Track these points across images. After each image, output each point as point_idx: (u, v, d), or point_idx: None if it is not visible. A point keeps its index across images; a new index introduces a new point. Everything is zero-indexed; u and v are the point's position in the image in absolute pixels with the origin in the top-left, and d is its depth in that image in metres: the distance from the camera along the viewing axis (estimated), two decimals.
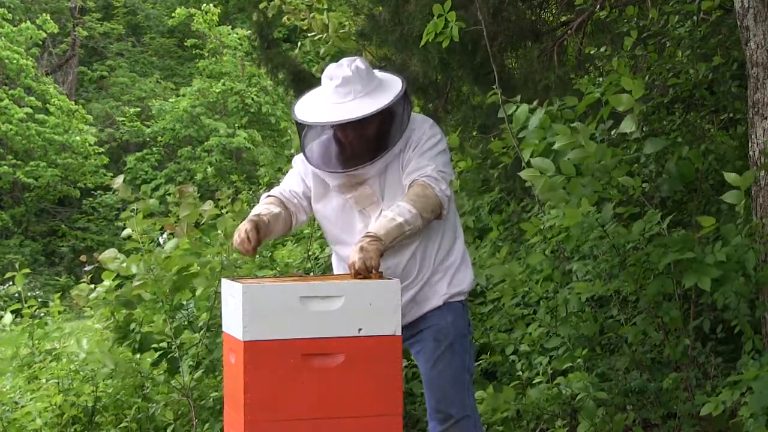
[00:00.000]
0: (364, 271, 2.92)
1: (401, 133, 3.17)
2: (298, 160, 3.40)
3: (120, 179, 5.05)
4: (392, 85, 3.23)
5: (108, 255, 4.99)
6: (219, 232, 5.01)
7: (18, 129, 23.20)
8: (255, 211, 3.29)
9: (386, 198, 3.20)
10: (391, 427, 2.86)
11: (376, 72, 3.30)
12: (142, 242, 4.88)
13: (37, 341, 5.45)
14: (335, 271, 3.45)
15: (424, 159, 3.16)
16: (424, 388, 3.28)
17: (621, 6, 5.94)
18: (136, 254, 4.91)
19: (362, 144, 3.16)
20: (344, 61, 3.22)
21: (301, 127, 3.26)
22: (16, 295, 5.77)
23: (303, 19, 8.66)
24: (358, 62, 3.19)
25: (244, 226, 3.15)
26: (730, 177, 3.78)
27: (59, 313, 5.88)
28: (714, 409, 3.66)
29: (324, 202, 3.32)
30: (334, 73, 3.17)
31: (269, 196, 3.38)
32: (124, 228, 5.02)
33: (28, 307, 5.47)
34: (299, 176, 3.38)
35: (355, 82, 3.14)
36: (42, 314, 5.81)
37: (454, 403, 3.22)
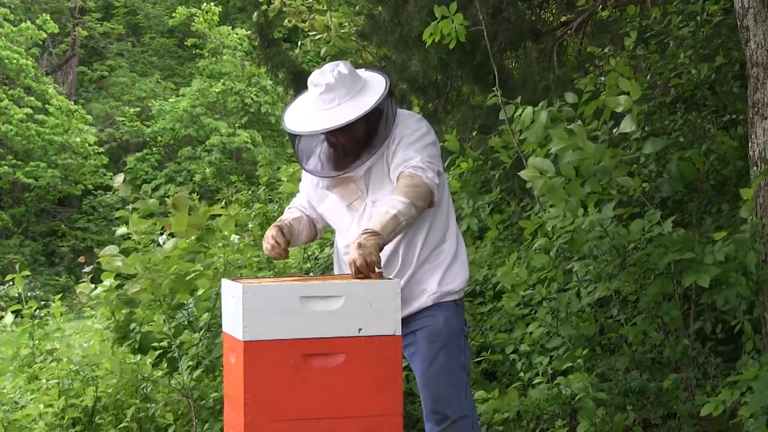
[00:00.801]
0: (365, 268, 2.91)
1: (388, 131, 3.20)
2: (305, 172, 3.48)
3: (120, 177, 5.05)
4: (376, 85, 3.26)
5: (108, 252, 4.99)
6: (224, 232, 5.01)
7: (18, 129, 23.22)
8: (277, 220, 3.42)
9: (371, 192, 3.24)
10: (391, 427, 2.86)
11: (361, 72, 3.33)
12: (139, 242, 4.88)
13: (37, 341, 5.45)
14: (334, 261, 3.49)
15: (410, 151, 3.18)
16: (420, 390, 3.27)
17: (622, 5, 5.94)
18: (135, 254, 4.90)
19: (352, 145, 3.20)
20: (327, 67, 3.25)
21: (291, 135, 3.31)
22: (16, 295, 5.77)
23: (304, 21, 8.68)
24: (341, 67, 3.22)
25: (270, 232, 3.27)
26: (743, 192, 3.80)
27: (61, 314, 5.88)
28: (714, 410, 3.65)
29: (325, 203, 3.39)
30: (318, 80, 3.21)
31: (290, 208, 3.51)
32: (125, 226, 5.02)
33: (29, 308, 5.48)
34: (303, 190, 3.49)
35: (339, 87, 3.18)
36: (42, 315, 5.81)
37: (451, 403, 3.21)
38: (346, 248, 3.29)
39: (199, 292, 4.95)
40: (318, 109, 3.19)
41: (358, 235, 3.02)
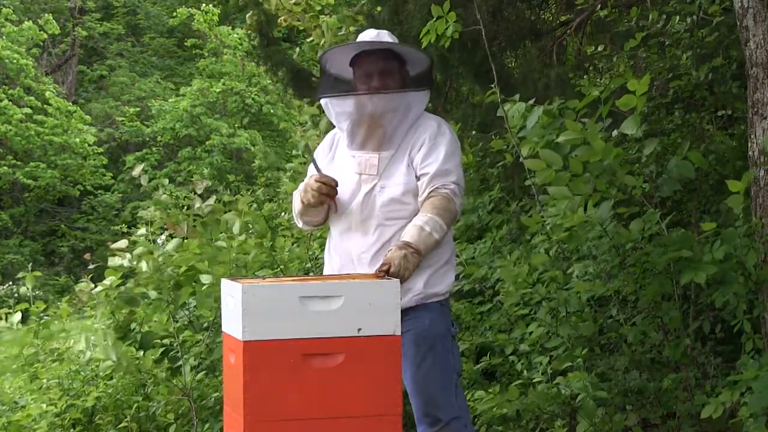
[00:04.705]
0: (394, 276, 3.00)
1: (420, 88, 3.32)
2: (321, 146, 3.50)
3: (140, 167, 5.10)
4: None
5: (120, 244, 5.02)
6: (232, 229, 5.03)
7: (17, 129, 23.21)
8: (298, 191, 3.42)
9: (382, 177, 3.27)
10: (390, 427, 2.86)
11: None
12: (151, 240, 4.91)
13: (42, 341, 5.46)
14: (326, 254, 3.48)
15: (449, 163, 3.24)
16: (410, 393, 3.26)
17: (621, 5, 5.94)
18: (146, 252, 4.91)
19: (385, 80, 3.28)
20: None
21: (326, 73, 3.39)
22: (16, 295, 5.79)
23: (298, 20, 8.68)
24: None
25: (310, 181, 3.27)
26: (732, 185, 3.78)
27: (68, 315, 5.89)
28: (713, 412, 3.65)
29: (330, 170, 3.38)
30: (368, 31, 3.43)
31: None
32: (129, 227, 5.04)
33: (36, 308, 5.49)
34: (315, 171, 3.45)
35: (386, 37, 3.36)
36: (47, 316, 5.82)
37: (442, 405, 3.21)
38: (345, 235, 3.31)
39: (203, 286, 4.92)
40: (364, 42, 3.36)
41: (403, 243, 3.08)
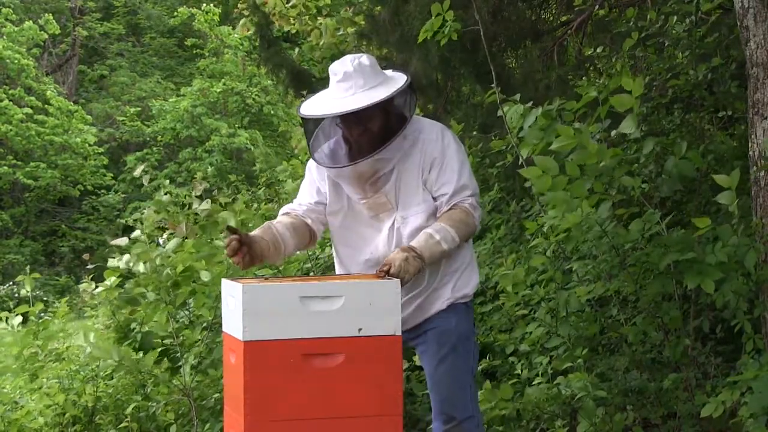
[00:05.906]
0: (394, 277, 2.98)
1: (402, 128, 3.14)
2: (311, 166, 3.38)
3: (140, 167, 5.14)
4: (397, 81, 3.22)
5: (120, 242, 5.03)
6: (229, 225, 5.03)
7: (18, 129, 23.21)
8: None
9: (400, 206, 3.23)
10: (391, 427, 2.86)
11: (387, 72, 3.30)
12: (150, 240, 4.92)
13: (42, 341, 5.46)
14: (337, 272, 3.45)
15: (463, 178, 3.22)
16: (429, 389, 3.31)
17: (621, 6, 5.94)
18: (144, 251, 4.92)
19: (364, 139, 3.15)
20: (348, 56, 3.21)
21: (306, 124, 3.27)
22: (17, 295, 5.80)
23: (291, 23, 8.67)
24: (363, 58, 3.19)
25: (228, 239, 3.10)
26: (720, 179, 3.78)
27: (65, 315, 5.89)
28: (714, 411, 3.65)
29: (337, 206, 3.32)
30: (337, 68, 3.17)
31: (285, 214, 3.37)
32: (127, 227, 5.05)
33: (33, 309, 5.50)
34: (312, 185, 3.37)
35: (357, 77, 3.13)
36: (47, 316, 5.82)
37: (458, 404, 3.24)
38: (369, 262, 3.26)
39: (204, 280, 4.90)
40: (333, 97, 3.15)
41: (407, 248, 3.06)
